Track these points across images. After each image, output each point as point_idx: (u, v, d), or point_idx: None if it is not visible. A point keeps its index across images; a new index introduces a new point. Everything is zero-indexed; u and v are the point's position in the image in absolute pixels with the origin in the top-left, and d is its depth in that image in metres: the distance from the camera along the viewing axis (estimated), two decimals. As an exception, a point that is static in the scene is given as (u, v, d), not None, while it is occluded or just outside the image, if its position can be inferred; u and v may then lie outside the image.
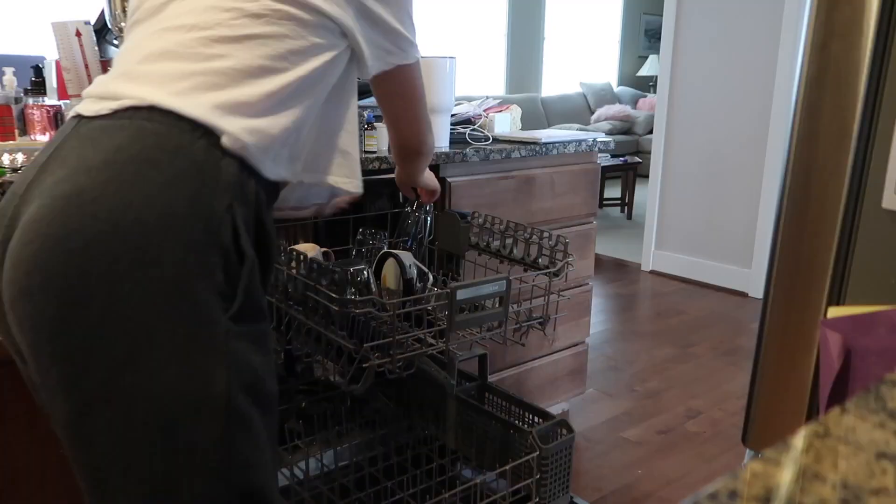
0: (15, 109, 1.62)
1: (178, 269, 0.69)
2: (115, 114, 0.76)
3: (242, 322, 0.74)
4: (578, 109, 7.62)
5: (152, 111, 0.75)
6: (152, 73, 0.78)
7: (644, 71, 8.44)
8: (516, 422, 1.51)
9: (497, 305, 1.22)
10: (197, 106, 0.75)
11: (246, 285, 0.74)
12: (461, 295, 1.15)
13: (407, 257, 1.36)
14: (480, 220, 1.55)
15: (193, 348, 0.70)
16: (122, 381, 0.68)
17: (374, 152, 1.67)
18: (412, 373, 1.20)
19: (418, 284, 1.37)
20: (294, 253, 1.19)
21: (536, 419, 1.51)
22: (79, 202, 0.69)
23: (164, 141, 0.73)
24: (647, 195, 4.02)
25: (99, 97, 0.80)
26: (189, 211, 0.71)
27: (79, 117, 0.80)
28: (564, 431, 1.44)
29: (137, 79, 0.79)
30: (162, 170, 0.71)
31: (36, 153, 0.87)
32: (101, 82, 0.83)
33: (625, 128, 7.36)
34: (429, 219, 1.62)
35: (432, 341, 1.26)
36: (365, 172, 1.62)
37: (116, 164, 0.71)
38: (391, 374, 1.16)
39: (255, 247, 0.77)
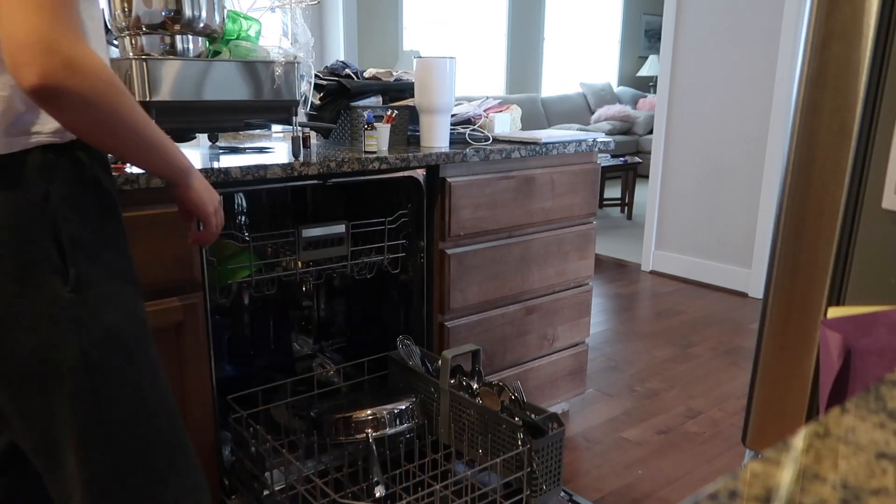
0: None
1: (19, 262, 0.80)
2: None
3: (82, 291, 0.84)
4: (578, 109, 7.62)
5: None
6: None
7: (644, 71, 8.44)
8: (508, 416, 1.51)
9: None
10: None
11: (76, 257, 0.84)
12: (306, 233, 1.62)
13: None
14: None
15: (44, 323, 0.82)
16: (5, 353, 0.82)
17: (374, 152, 1.67)
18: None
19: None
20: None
21: (528, 413, 1.52)
22: None
23: None
24: (647, 195, 4.02)
25: None
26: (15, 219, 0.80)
27: None
28: (555, 425, 1.45)
29: None
30: None
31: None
32: None
33: (625, 128, 7.36)
34: None
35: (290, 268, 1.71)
36: (365, 172, 1.62)
37: None
38: (256, 292, 1.59)
39: (85, 212, 0.85)
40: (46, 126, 0.83)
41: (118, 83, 0.81)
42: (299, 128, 1.58)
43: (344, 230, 1.68)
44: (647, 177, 6.18)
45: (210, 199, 1.07)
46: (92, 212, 0.87)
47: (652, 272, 4.02)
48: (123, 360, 0.88)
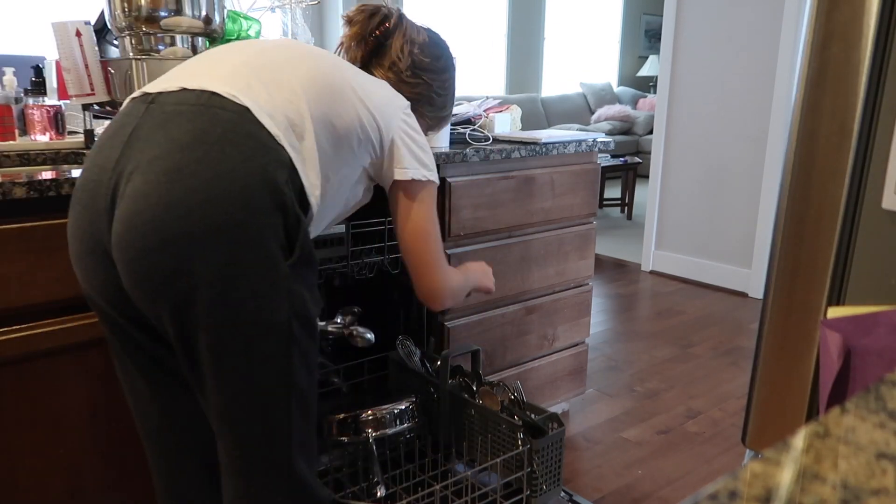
0: (15, 109, 1.62)
1: (256, 229, 0.90)
2: (188, 100, 0.94)
3: (297, 268, 0.96)
4: (578, 109, 7.62)
5: (224, 101, 0.94)
6: (226, 76, 0.99)
7: (644, 71, 8.44)
8: (508, 416, 1.51)
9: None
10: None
11: (301, 242, 0.96)
12: None
13: None
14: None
15: (266, 287, 0.92)
16: (217, 314, 0.90)
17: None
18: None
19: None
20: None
21: (528, 413, 1.52)
22: (179, 177, 0.88)
23: (238, 127, 0.92)
24: (647, 195, 4.02)
25: (171, 80, 0.99)
26: (261, 182, 0.91)
27: (146, 100, 0.97)
28: (555, 425, 1.45)
29: (211, 76, 0.98)
30: (241, 149, 0.91)
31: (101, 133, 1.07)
32: (173, 76, 1.02)
33: (625, 128, 7.36)
34: None
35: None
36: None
37: (205, 145, 0.90)
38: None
39: (301, 201, 0.98)
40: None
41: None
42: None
43: (344, 230, 1.68)
44: (647, 177, 6.18)
45: (486, 274, 1.50)
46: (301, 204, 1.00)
47: (652, 272, 4.03)
48: (307, 334, 1.01)
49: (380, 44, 1.28)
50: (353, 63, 1.27)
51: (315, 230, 1.12)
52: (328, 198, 1.07)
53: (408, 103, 1.18)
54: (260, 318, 0.93)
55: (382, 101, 1.12)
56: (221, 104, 0.94)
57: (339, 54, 1.29)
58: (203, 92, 0.95)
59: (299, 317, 0.97)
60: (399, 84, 1.26)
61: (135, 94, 1.03)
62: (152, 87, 1.01)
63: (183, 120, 0.92)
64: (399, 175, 1.15)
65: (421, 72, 1.29)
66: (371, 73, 1.26)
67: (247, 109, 0.94)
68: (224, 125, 0.92)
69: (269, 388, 0.97)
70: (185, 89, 0.97)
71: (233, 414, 0.97)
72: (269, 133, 0.94)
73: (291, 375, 0.99)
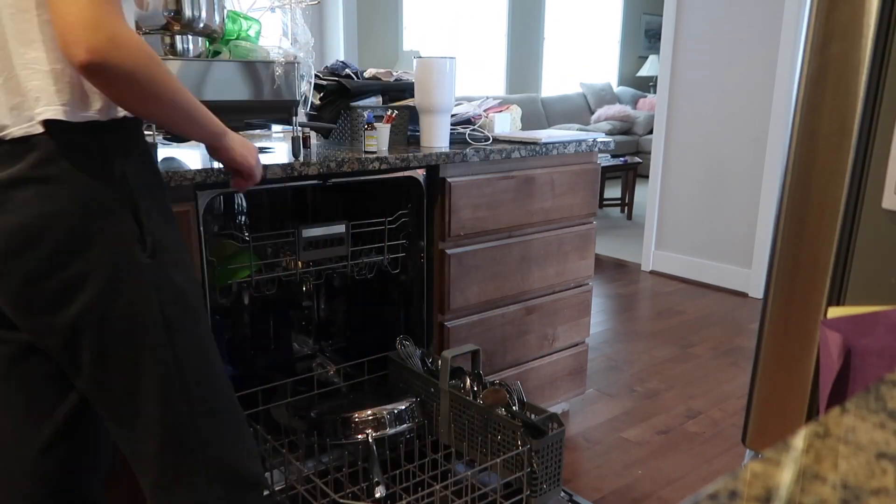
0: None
1: (105, 234, 0.91)
2: None
3: (157, 256, 0.95)
4: (578, 109, 7.61)
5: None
6: None
7: (644, 71, 8.44)
8: (508, 416, 1.51)
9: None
10: None
11: (150, 231, 0.95)
12: (306, 234, 1.62)
13: None
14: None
15: (129, 285, 0.93)
16: (96, 315, 0.92)
17: (374, 152, 1.67)
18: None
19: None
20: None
21: (529, 414, 1.52)
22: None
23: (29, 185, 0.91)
24: (647, 195, 4.02)
25: None
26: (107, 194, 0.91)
27: None
28: (555, 425, 1.45)
29: None
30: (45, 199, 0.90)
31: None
32: None
33: (625, 128, 7.36)
34: None
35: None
36: (365, 172, 1.62)
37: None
38: (256, 293, 1.49)
39: (150, 186, 0.97)
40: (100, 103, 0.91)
41: (156, 56, 0.89)
42: (299, 128, 1.58)
43: (344, 230, 1.68)
44: (647, 177, 6.18)
45: (250, 152, 1.17)
46: (155, 186, 0.99)
47: (652, 272, 4.02)
48: (191, 318, 1.00)
49: None
50: None
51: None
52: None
53: None
54: (131, 313, 0.93)
55: None
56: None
57: None
58: None
59: (173, 302, 0.97)
60: None
61: None
62: None
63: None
64: None
65: None
66: None
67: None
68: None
69: (163, 383, 0.97)
70: None
71: (137, 418, 0.97)
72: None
73: (181, 362, 0.98)
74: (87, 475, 1.10)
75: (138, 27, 1.48)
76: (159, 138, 1.54)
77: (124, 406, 0.97)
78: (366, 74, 2.03)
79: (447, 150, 1.75)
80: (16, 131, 0.88)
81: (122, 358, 0.95)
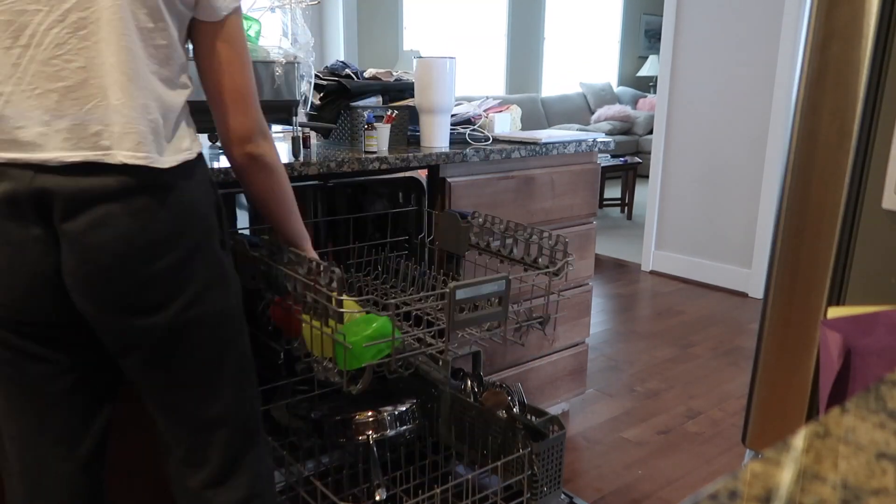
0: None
1: (203, 237, 0.99)
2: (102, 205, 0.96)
3: (228, 254, 1.06)
4: (578, 109, 7.61)
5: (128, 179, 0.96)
6: None
7: (644, 71, 8.44)
8: (509, 418, 1.51)
9: (496, 305, 1.22)
10: None
11: (225, 232, 1.05)
12: (461, 294, 1.15)
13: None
14: (480, 220, 1.56)
15: (221, 280, 1.02)
16: (195, 311, 0.98)
17: (374, 152, 1.67)
18: (412, 372, 1.21)
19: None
20: (293, 254, 1.19)
21: (529, 416, 1.51)
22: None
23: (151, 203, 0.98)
24: (647, 195, 4.02)
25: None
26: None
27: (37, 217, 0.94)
28: (556, 428, 1.45)
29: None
30: (173, 218, 0.98)
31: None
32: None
33: (625, 128, 7.36)
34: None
35: (431, 341, 1.27)
36: (365, 173, 1.62)
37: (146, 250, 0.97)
38: (391, 375, 1.17)
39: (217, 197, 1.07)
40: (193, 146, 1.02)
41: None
42: (299, 128, 1.58)
43: (504, 288, 1.24)
44: (647, 177, 6.18)
45: None
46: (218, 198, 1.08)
47: (652, 272, 4.02)
48: (242, 310, 1.09)
49: None
50: None
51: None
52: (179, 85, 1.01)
53: None
54: (218, 310, 1.02)
55: None
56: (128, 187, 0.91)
57: None
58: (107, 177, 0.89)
59: (237, 295, 1.07)
60: None
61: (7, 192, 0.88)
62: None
63: (108, 245, 0.90)
64: (211, 15, 1.01)
65: None
66: None
67: (135, 172, 0.90)
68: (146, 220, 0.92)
69: (239, 370, 1.07)
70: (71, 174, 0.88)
71: (213, 406, 1.05)
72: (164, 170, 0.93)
73: (248, 349, 1.10)
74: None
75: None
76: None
77: (203, 398, 1.04)
78: (366, 74, 2.03)
79: (447, 150, 1.75)
80: (126, 158, 0.90)
81: (210, 350, 1.02)
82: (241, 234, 1.47)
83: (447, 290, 1.15)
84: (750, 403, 1.42)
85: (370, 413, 1.54)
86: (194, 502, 1.08)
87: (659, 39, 4.91)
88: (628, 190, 5.42)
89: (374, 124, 1.69)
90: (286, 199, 1.16)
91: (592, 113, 7.63)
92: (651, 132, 7.00)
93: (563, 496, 1.64)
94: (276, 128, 2.10)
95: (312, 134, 1.99)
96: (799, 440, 0.37)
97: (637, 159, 5.44)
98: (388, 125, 1.75)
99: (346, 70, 1.98)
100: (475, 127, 2.00)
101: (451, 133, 1.91)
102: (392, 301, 1.15)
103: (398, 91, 2.02)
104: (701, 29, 3.64)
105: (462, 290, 1.15)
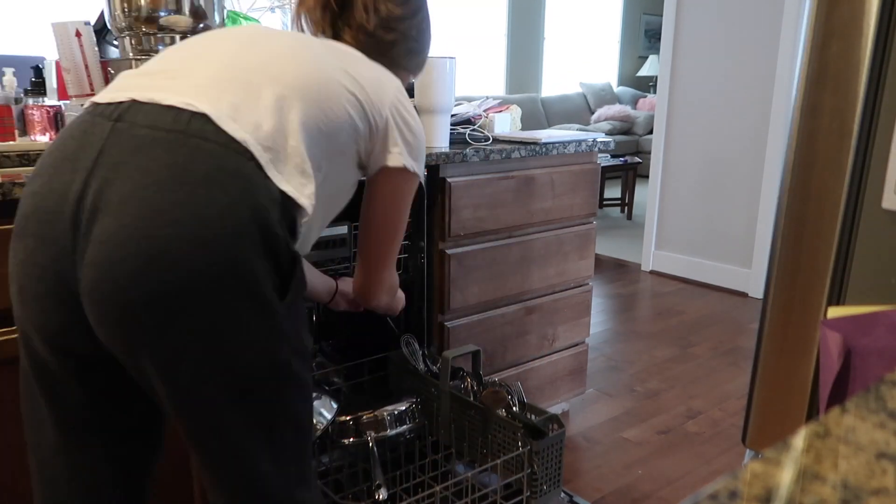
0: (15, 110, 1.62)
1: (249, 276, 0.84)
2: (163, 122, 0.85)
3: (290, 307, 0.91)
4: (578, 109, 7.62)
5: (206, 128, 0.85)
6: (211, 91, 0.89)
7: (644, 71, 8.45)
8: (508, 417, 1.51)
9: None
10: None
11: (296, 280, 0.91)
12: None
13: None
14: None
15: (264, 334, 0.87)
16: (210, 367, 0.85)
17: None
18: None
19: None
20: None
21: (529, 414, 1.52)
22: (159, 223, 0.80)
23: (223, 163, 0.84)
24: (647, 195, 4.02)
25: (141, 86, 0.90)
26: (252, 227, 0.83)
27: (111, 115, 0.86)
28: (556, 426, 1.45)
29: (189, 82, 0.90)
30: (227, 190, 0.82)
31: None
32: (144, 78, 0.93)
33: (625, 128, 7.36)
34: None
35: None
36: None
37: (186, 185, 0.81)
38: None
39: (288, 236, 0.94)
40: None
41: None
42: (299, 128, 1.57)
43: (346, 231, 1.68)
44: (647, 177, 6.18)
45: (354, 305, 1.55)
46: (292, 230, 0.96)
47: (652, 272, 4.03)
48: (305, 366, 0.97)
49: (342, 6, 1.17)
50: (320, 33, 1.19)
51: (317, 230, 1.07)
52: (325, 188, 1.00)
53: (399, 83, 1.09)
54: (258, 365, 0.89)
55: (374, 84, 1.03)
56: (202, 132, 0.84)
57: (297, 28, 1.21)
58: (181, 112, 0.85)
59: (297, 353, 0.93)
60: (373, 43, 1.16)
61: (97, 100, 0.90)
62: (117, 95, 0.89)
63: (159, 150, 0.82)
64: (391, 161, 1.07)
65: (393, 23, 1.17)
66: (341, 38, 1.17)
67: (231, 139, 0.85)
68: (207, 162, 0.83)
69: (269, 428, 0.93)
70: (157, 105, 0.86)
71: (237, 461, 0.93)
72: (256, 164, 0.86)
73: (290, 409, 0.96)
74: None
75: (138, 27, 1.48)
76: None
77: (230, 455, 0.94)
78: (366, 74, 2.03)
79: (447, 150, 1.75)
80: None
81: (240, 407, 0.94)
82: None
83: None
84: (750, 403, 1.42)
85: (370, 412, 1.54)
86: None
87: (659, 39, 4.91)
88: (628, 190, 5.42)
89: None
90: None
91: (592, 113, 7.63)
92: (651, 132, 7.00)
93: (563, 495, 1.64)
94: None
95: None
96: (799, 440, 0.37)
97: (637, 159, 5.44)
98: (388, 125, 1.75)
99: (346, 70, 1.98)
100: (475, 127, 2.00)
101: (451, 133, 1.91)
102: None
103: (398, 91, 2.02)
104: (701, 29, 3.64)
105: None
